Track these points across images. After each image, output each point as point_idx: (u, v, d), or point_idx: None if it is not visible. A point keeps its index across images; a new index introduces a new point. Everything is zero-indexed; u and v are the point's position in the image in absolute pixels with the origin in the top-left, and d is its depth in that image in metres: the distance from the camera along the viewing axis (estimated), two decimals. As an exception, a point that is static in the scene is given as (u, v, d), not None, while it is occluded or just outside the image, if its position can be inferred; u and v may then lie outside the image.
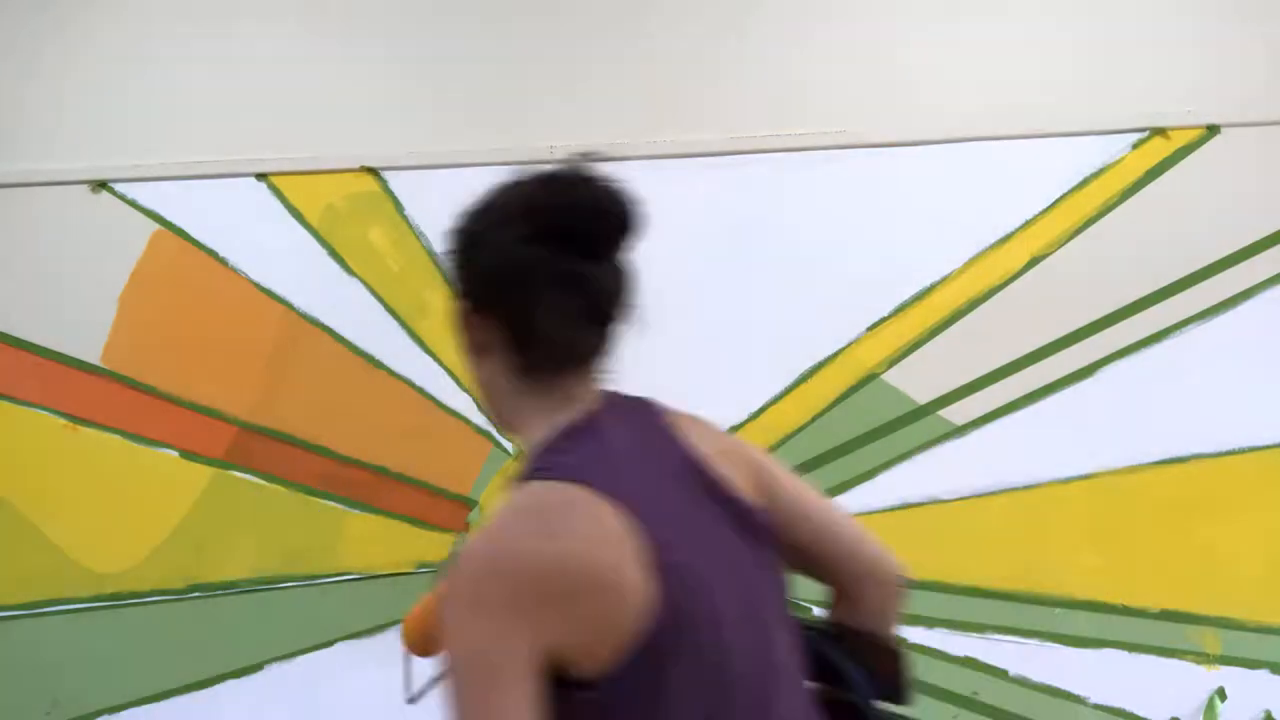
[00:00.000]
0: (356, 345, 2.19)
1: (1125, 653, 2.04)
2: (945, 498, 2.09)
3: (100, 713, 2.16)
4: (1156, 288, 2.09)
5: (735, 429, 2.14)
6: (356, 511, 2.17)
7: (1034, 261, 2.11)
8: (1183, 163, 2.10)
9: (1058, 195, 2.11)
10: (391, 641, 2.16)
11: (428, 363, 2.18)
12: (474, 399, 2.16)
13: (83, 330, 2.21)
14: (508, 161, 2.11)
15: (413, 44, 2.24)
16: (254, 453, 2.18)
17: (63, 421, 2.20)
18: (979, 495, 2.09)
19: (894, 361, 2.13)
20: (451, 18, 2.24)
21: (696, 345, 2.15)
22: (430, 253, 2.19)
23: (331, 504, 2.17)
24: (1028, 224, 2.12)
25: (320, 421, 2.18)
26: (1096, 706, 2.05)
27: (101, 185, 2.23)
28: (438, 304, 2.19)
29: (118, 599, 2.17)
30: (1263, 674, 2.03)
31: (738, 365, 2.14)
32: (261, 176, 2.22)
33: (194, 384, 2.19)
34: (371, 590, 2.15)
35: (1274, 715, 2.01)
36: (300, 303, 2.20)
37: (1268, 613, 2.04)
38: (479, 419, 2.18)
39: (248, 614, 2.16)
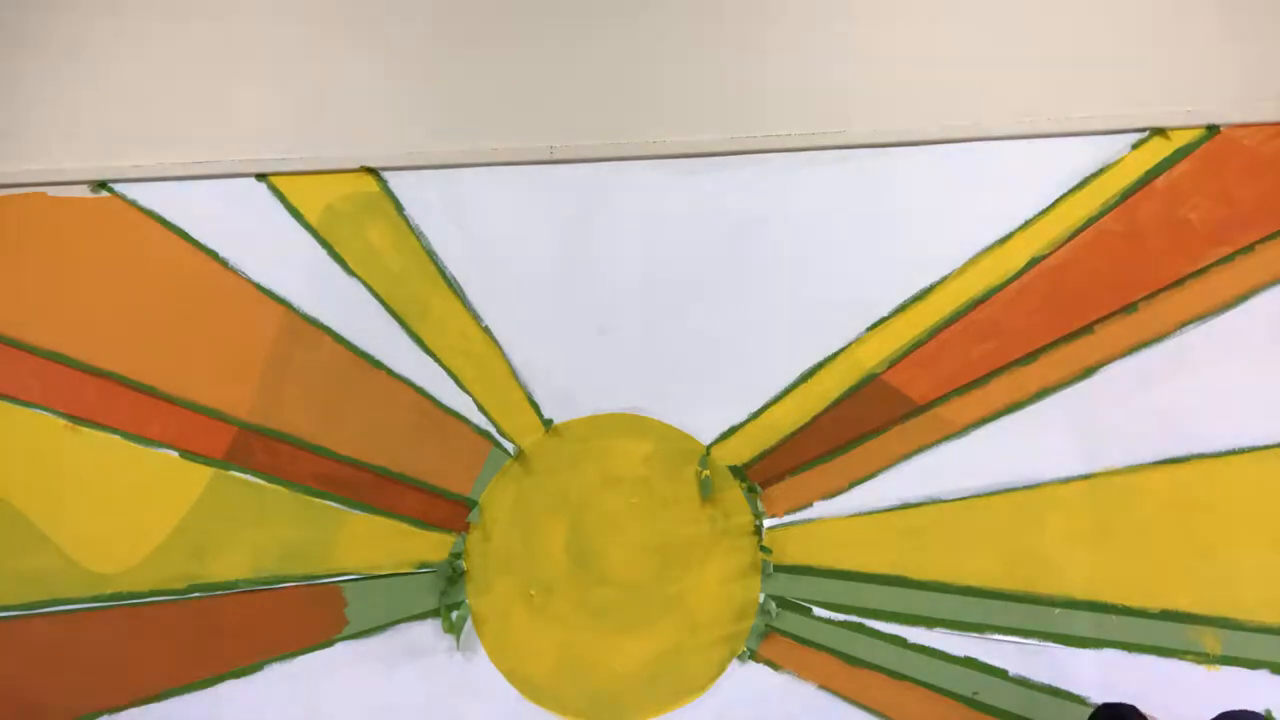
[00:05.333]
0: (356, 345, 2.19)
1: (1125, 653, 2.04)
2: (945, 498, 2.09)
3: (100, 713, 2.16)
4: (1156, 288, 2.09)
5: (735, 429, 2.14)
6: (356, 511, 2.17)
7: (1034, 261, 2.11)
8: (1182, 162, 2.11)
9: (1058, 195, 2.11)
10: (391, 641, 2.17)
11: (428, 363, 2.18)
12: (474, 399, 2.18)
13: (83, 330, 2.21)
14: (508, 161, 2.16)
15: (413, 44, 2.24)
16: (254, 453, 2.18)
17: (63, 421, 2.20)
18: (979, 495, 2.09)
19: (894, 361, 2.13)
20: (451, 17, 2.24)
21: (696, 345, 2.16)
22: (430, 253, 2.19)
23: (331, 504, 2.17)
24: (1028, 224, 2.12)
25: (320, 421, 2.18)
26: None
27: (101, 185, 2.23)
28: (438, 304, 2.19)
29: (118, 599, 2.17)
30: (1263, 674, 2.03)
31: (738, 365, 2.14)
32: (261, 176, 2.22)
33: (194, 384, 2.20)
34: (371, 590, 2.15)
35: (1274, 715, 2.01)
36: (300, 303, 2.20)
37: (1268, 613, 2.04)
38: (479, 419, 2.17)
39: (248, 614, 2.16)
